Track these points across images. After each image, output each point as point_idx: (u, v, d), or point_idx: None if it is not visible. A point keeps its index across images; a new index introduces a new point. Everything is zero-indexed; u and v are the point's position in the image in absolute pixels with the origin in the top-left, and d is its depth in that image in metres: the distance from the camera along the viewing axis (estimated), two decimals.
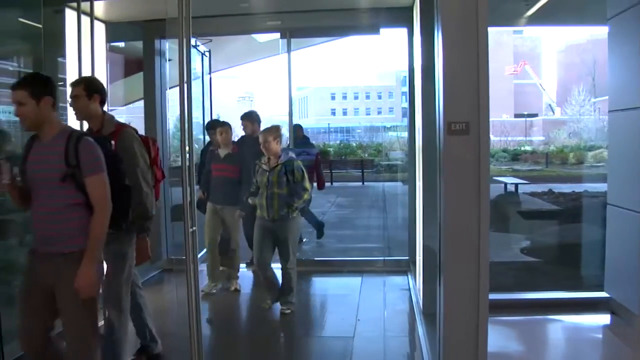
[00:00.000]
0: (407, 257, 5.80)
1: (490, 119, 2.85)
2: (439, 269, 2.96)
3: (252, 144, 5.17)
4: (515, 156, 22.26)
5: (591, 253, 5.58)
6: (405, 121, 6.28)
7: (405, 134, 6.19)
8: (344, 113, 41.22)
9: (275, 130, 4.57)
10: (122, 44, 7.02)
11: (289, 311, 4.57)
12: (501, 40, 34.10)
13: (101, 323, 2.95)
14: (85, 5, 4.58)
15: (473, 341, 2.80)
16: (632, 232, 4.10)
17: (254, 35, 7.18)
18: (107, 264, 3.15)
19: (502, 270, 5.56)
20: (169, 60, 6.15)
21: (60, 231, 2.49)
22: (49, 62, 4.41)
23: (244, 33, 6.72)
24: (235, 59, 9.40)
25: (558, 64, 39.39)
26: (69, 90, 3.14)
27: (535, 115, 34.78)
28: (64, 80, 4.52)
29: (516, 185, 11.43)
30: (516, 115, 34.33)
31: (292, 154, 4.63)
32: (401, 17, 5.46)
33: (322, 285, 5.69)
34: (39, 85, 2.51)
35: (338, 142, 26.64)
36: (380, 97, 41.55)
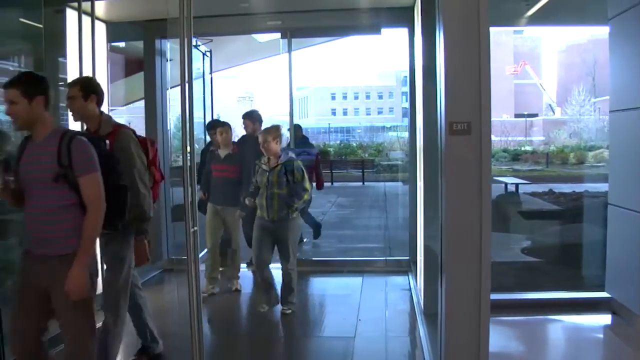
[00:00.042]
0: (407, 257, 5.80)
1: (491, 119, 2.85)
2: (441, 269, 2.95)
3: (252, 143, 5.16)
4: (516, 156, 22.28)
5: (592, 253, 5.58)
6: (406, 121, 6.29)
7: (406, 134, 6.19)
8: (344, 113, 41.22)
9: (275, 130, 4.55)
10: (122, 44, 7.03)
11: (289, 311, 4.56)
12: (501, 40, 34.09)
13: (99, 325, 2.94)
14: (86, 5, 4.58)
15: (475, 341, 2.80)
16: (633, 232, 4.09)
17: (254, 35, 7.17)
18: (105, 267, 3.15)
19: (503, 270, 5.57)
20: (169, 60, 6.15)
21: (55, 232, 2.46)
22: (49, 62, 4.42)
23: (244, 33, 6.72)
24: (236, 59, 9.39)
25: (558, 64, 39.40)
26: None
27: (536, 115, 34.79)
28: (65, 80, 4.52)
29: (517, 185, 11.44)
30: (516, 115, 34.33)
31: (292, 154, 4.61)
32: (402, 17, 5.46)
33: (323, 286, 5.69)
34: (32, 84, 2.47)
35: (338, 142, 26.67)
36: (380, 97, 41.55)
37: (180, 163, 3.00)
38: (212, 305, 4.91)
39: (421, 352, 3.69)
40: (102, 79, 4.86)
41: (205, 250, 5.19)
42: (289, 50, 5.99)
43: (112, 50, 5.92)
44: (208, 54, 6.68)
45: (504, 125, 27.96)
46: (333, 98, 42.01)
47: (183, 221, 2.89)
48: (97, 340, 2.73)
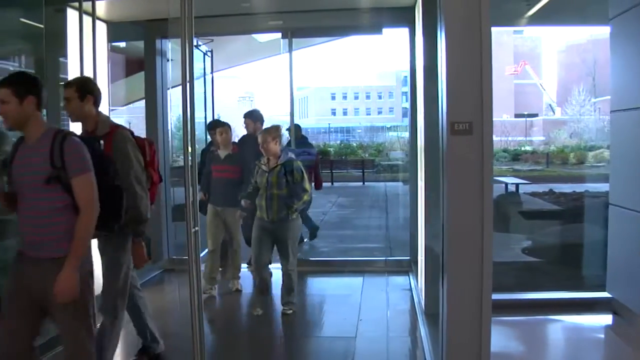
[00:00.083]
0: (408, 257, 5.79)
1: None
2: (442, 269, 2.95)
3: (252, 143, 5.15)
4: (516, 156, 22.33)
5: (592, 253, 5.58)
6: (406, 121, 6.29)
7: (406, 134, 6.19)
8: (344, 113, 41.27)
9: (274, 130, 4.52)
10: (123, 44, 7.03)
11: (290, 311, 4.56)
12: (501, 40, 34.09)
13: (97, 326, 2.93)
14: (87, 5, 4.58)
15: (476, 342, 2.80)
16: (634, 232, 4.09)
17: (254, 35, 7.17)
18: (103, 269, 3.14)
19: (504, 270, 5.56)
20: (170, 60, 6.15)
21: (47, 235, 2.42)
22: (50, 62, 4.41)
23: (245, 33, 6.71)
24: (236, 59, 9.39)
25: (558, 64, 39.42)
26: None
27: (536, 115, 34.81)
28: (66, 80, 4.51)
29: (517, 185, 11.45)
30: (516, 115, 34.35)
31: (291, 155, 4.58)
32: (403, 17, 5.45)
33: (324, 286, 5.68)
34: (24, 84, 2.44)
35: (338, 142, 26.70)
36: (380, 97, 41.61)
37: (181, 163, 2.99)
38: (213, 305, 4.91)
39: (422, 352, 3.69)
40: (102, 79, 4.85)
41: (206, 250, 5.19)
42: (290, 50, 5.98)
43: (112, 50, 5.92)
44: (209, 54, 6.68)
45: (504, 125, 28.00)
46: (333, 98, 42.05)
47: (183, 221, 2.88)
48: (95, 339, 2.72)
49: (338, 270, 5.94)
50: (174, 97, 6.17)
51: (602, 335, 4.29)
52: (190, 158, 2.87)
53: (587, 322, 4.37)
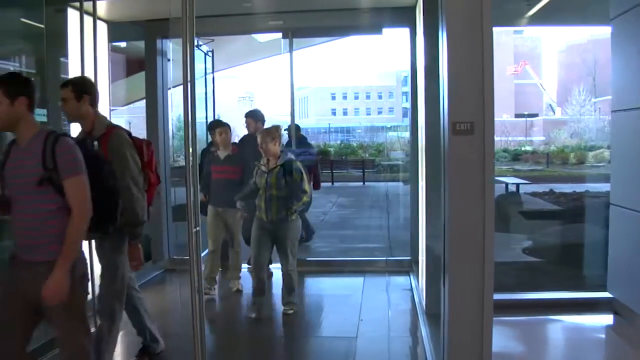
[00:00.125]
0: (409, 257, 5.79)
1: None
2: (443, 269, 2.95)
3: (254, 143, 5.13)
4: (516, 156, 22.33)
5: (593, 253, 5.58)
6: (406, 121, 6.29)
7: (406, 134, 6.19)
8: (344, 113, 41.21)
9: (274, 131, 4.49)
10: (123, 44, 7.03)
11: (291, 311, 4.56)
12: (501, 40, 34.07)
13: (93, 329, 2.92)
14: (87, 5, 4.57)
15: (478, 342, 2.80)
16: (635, 232, 4.09)
17: (254, 35, 7.17)
18: (100, 271, 3.13)
19: (504, 270, 5.55)
20: (170, 60, 6.15)
21: (40, 238, 2.38)
22: (51, 62, 4.41)
23: (246, 33, 6.71)
24: (236, 59, 9.38)
25: (558, 64, 39.40)
26: None
27: (536, 115, 34.80)
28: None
29: (517, 185, 11.45)
30: (517, 115, 34.33)
31: (291, 155, 4.56)
32: (403, 17, 5.45)
33: (324, 286, 5.68)
34: (15, 84, 2.40)
35: (339, 142, 26.68)
36: (380, 97, 41.55)
37: (181, 163, 2.98)
38: (214, 305, 4.91)
39: (423, 352, 3.69)
40: (103, 79, 4.85)
41: (207, 250, 5.19)
42: (290, 50, 5.98)
43: (113, 50, 5.92)
44: (210, 53, 6.68)
45: (505, 125, 27.98)
46: (333, 98, 42.00)
47: (184, 221, 2.86)
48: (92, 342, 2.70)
49: (339, 270, 5.94)
50: (174, 97, 6.17)
51: (603, 335, 4.29)
52: (191, 158, 2.87)
53: (588, 322, 4.37)
